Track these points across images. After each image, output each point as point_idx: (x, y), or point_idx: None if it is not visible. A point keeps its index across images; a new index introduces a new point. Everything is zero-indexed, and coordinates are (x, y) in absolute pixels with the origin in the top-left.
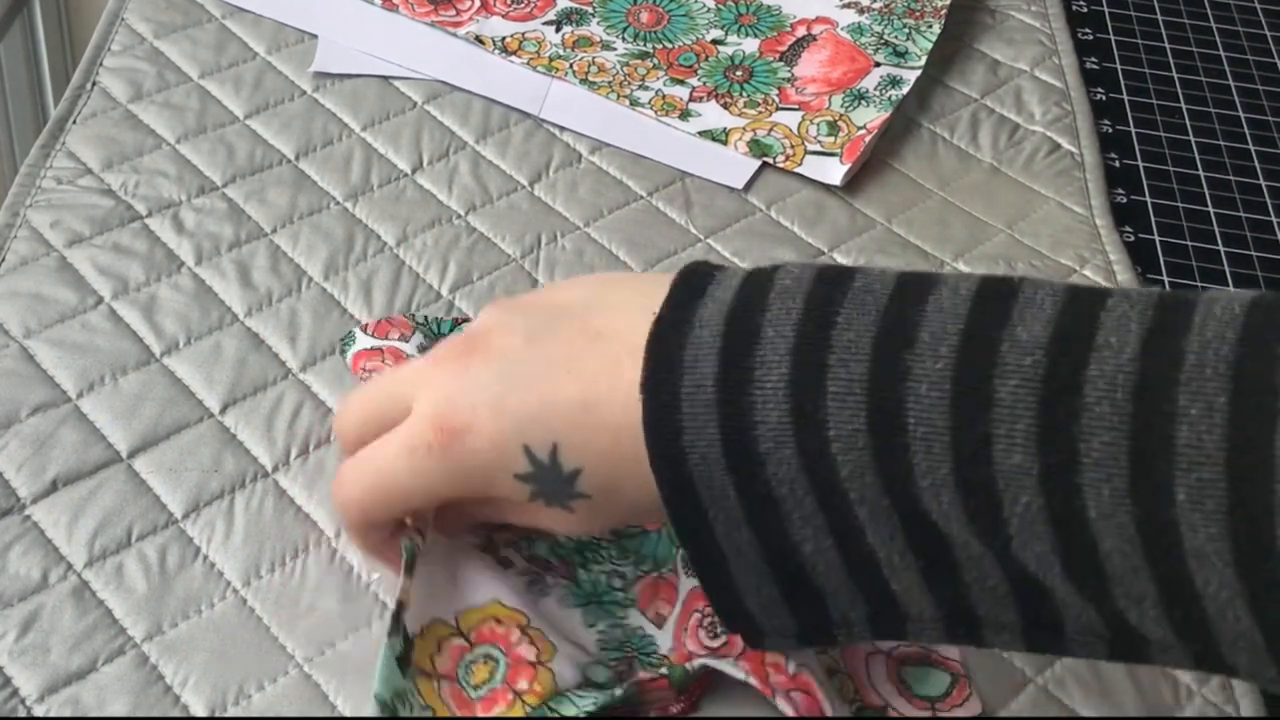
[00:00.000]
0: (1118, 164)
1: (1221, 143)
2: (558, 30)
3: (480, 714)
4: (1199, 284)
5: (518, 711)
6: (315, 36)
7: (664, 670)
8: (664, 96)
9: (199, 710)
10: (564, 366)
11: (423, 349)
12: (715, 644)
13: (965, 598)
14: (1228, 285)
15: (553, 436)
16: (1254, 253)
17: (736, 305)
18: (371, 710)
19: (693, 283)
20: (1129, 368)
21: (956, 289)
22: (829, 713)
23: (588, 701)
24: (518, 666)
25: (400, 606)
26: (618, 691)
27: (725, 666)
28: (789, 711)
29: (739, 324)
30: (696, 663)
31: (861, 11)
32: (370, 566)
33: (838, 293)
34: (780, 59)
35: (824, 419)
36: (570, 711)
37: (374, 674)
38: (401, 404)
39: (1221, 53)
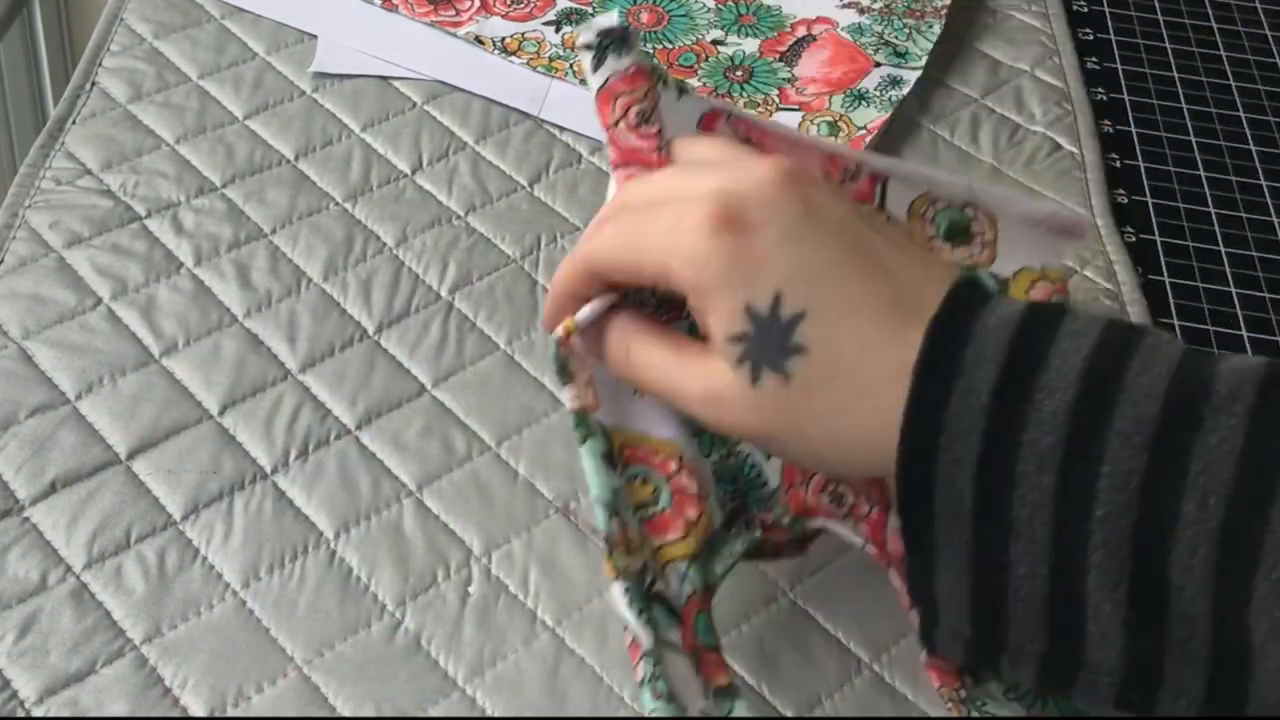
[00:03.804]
0: (1118, 164)
1: (1222, 143)
2: (558, 30)
3: (649, 534)
4: (1200, 284)
5: (686, 548)
6: (315, 36)
7: (784, 520)
8: None
9: (198, 712)
10: (880, 266)
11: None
12: (840, 510)
13: (1159, 657)
14: (1229, 285)
15: (806, 304)
16: (1255, 253)
17: (1025, 326)
18: (600, 521)
19: (973, 297)
20: None
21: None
22: None
23: (728, 551)
24: (683, 497)
25: (584, 411)
26: (757, 534)
27: (844, 530)
28: (899, 585)
29: (1025, 344)
30: (816, 522)
31: (862, 11)
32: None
33: (1129, 340)
34: (780, 59)
35: (1100, 454)
36: (720, 569)
37: (589, 481)
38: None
39: (1222, 52)
